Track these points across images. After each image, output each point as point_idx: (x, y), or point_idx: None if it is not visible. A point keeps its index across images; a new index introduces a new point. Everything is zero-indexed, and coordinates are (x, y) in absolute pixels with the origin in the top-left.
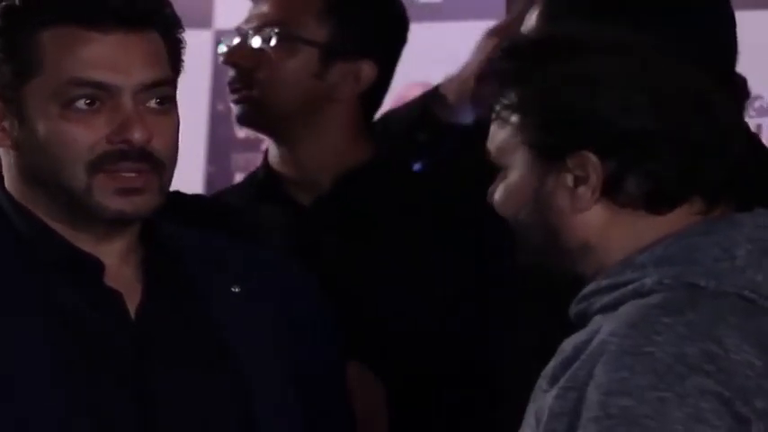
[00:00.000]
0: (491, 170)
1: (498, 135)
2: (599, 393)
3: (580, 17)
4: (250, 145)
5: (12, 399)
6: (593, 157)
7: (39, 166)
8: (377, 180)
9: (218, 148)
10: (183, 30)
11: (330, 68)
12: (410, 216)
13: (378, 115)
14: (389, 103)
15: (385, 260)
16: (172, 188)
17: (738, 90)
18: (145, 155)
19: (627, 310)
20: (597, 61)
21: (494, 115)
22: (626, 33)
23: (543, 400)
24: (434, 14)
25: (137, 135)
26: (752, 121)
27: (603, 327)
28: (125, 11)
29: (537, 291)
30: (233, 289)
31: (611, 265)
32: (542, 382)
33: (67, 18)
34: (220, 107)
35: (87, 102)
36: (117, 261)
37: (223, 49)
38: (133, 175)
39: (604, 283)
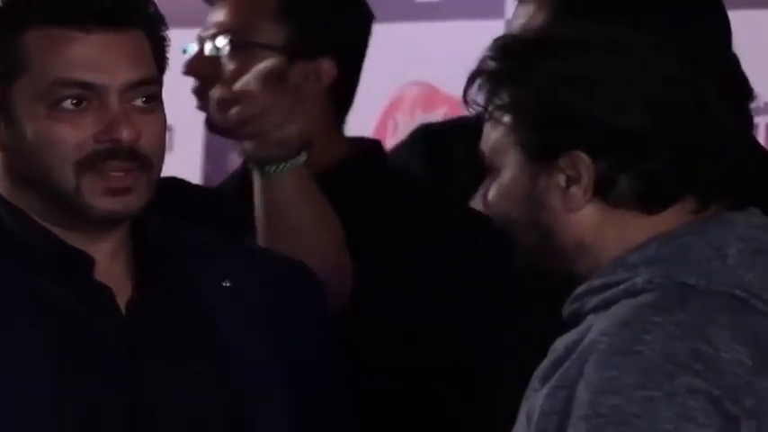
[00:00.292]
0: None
1: (491, 135)
2: (588, 392)
3: (580, 17)
4: None
5: (1, 392)
6: (585, 157)
7: (27, 167)
8: (352, 179)
9: (215, 147)
10: (167, 28)
11: (290, 70)
12: (388, 214)
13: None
14: (388, 101)
15: (365, 260)
16: None
17: (740, 90)
18: (133, 154)
19: (618, 309)
20: (592, 61)
21: (487, 116)
22: (626, 33)
23: (535, 399)
24: (433, 14)
25: (125, 134)
26: None
27: (595, 326)
28: (108, 10)
29: (535, 291)
30: (224, 283)
31: (604, 264)
32: (534, 382)
33: (51, 18)
34: None
35: (74, 102)
36: (107, 257)
37: (186, 56)
38: (121, 174)
39: (596, 282)
